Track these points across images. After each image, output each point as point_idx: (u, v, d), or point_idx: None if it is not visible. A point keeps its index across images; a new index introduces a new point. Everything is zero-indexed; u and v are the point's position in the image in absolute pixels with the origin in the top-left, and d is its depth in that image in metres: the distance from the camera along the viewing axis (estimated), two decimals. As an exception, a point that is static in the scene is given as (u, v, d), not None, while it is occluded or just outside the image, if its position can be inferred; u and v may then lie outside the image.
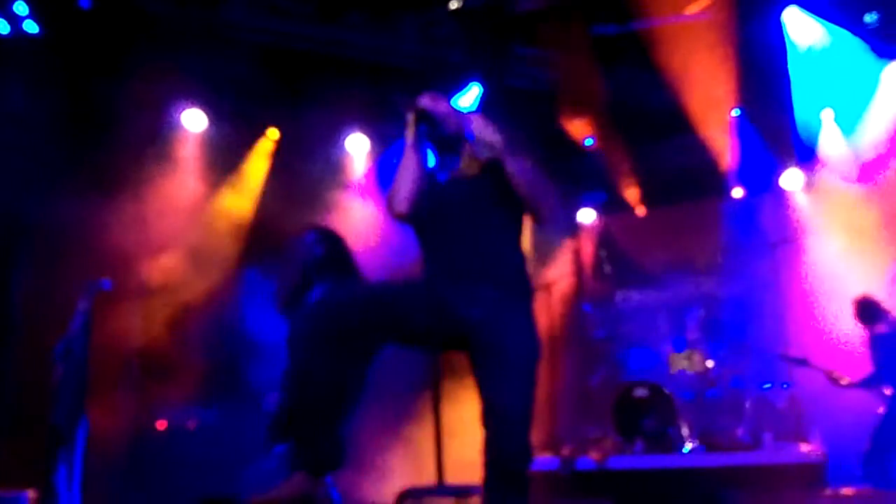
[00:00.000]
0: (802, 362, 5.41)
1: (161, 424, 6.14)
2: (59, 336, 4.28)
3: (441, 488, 2.18)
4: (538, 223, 2.46)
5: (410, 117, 2.47)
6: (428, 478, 2.40)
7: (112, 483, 5.51)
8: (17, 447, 4.90)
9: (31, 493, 4.36)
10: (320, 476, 2.19)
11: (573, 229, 7.41)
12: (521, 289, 2.43)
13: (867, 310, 5.22)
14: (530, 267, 2.49)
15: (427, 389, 3.79)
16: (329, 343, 2.16)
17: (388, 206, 2.47)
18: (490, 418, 2.29)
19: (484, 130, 2.40)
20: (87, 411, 4.32)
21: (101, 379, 4.70)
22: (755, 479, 4.55)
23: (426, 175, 2.50)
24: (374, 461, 5.23)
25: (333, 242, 3.37)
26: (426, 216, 2.46)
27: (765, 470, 4.68)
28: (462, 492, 2.11)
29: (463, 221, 2.39)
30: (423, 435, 2.42)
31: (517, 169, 2.37)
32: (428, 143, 2.51)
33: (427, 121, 2.45)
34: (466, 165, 2.53)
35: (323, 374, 2.16)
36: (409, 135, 2.48)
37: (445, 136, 2.48)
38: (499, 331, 2.31)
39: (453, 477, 2.53)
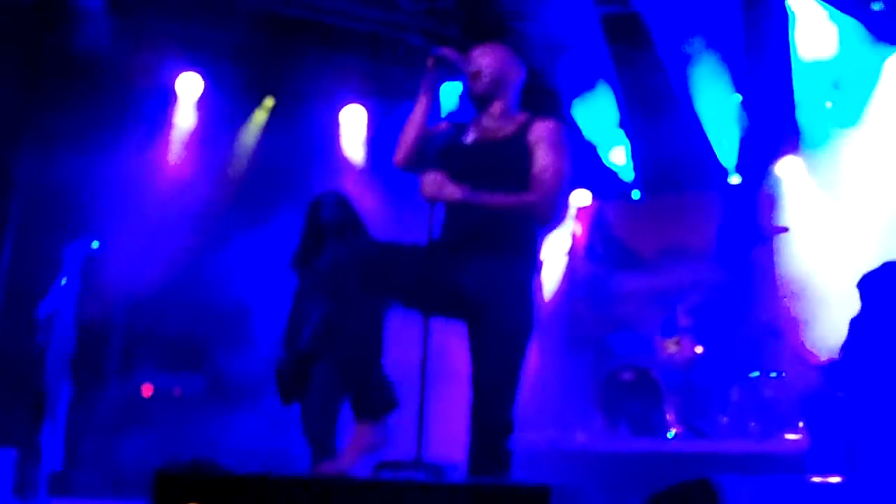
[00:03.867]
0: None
1: (147, 390, 6.14)
2: (41, 298, 4.25)
3: (417, 463, 2.18)
4: (532, 217, 2.42)
5: (429, 62, 2.47)
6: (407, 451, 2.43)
7: (96, 446, 5.53)
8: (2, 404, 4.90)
9: (15, 453, 4.36)
10: (382, 419, 2.21)
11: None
12: (526, 261, 2.41)
13: None
14: (536, 236, 2.46)
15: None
16: (356, 292, 2.18)
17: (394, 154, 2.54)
18: (475, 388, 2.30)
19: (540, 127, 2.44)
20: (74, 375, 4.31)
21: (85, 342, 4.68)
22: (738, 467, 4.57)
23: (430, 128, 2.51)
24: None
25: (347, 207, 3.59)
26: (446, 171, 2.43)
27: (748, 458, 4.70)
28: (437, 469, 2.12)
29: (477, 186, 2.35)
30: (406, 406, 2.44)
31: (545, 162, 2.38)
32: (437, 96, 2.51)
33: (445, 66, 2.45)
34: (495, 129, 2.51)
35: (358, 321, 2.20)
36: (423, 83, 2.49)
37: (479, 93, 2.50)
38: (494, 301, 2.30)
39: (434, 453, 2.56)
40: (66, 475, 4.17)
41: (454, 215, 2.43)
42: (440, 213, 2.50)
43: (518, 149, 2.44)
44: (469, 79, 2.50)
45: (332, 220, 3.54)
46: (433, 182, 2.31)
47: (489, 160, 2.45)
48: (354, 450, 2.12)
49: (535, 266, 2.45)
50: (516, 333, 2.33)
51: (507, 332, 2.32)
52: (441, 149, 2.53)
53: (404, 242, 2.37)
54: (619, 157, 6.95)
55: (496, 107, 2.53)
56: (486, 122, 2.54)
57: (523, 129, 2.47)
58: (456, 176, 2.37)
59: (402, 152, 2.51)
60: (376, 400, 2.17)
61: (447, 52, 2.48)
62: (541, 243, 2.50)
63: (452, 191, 2.31)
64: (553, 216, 2.40)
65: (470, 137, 2.54)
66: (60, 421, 4.17)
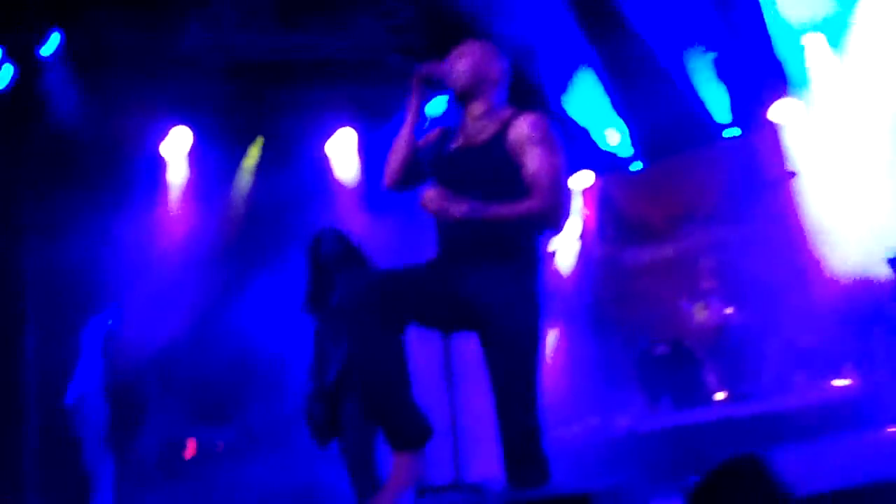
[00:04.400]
0: None
1: (190, 450, 6.15)
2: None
3: (456, 485, 2.15)
4: (538, 225, 2.36)
5: (413, 81, 2.44)
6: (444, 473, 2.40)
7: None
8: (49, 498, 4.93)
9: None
10: (420, 449, 2.16)
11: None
12: (528, 265, 2.36)
13: None
14: (538, 239, 2.41)
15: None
16: (373, 325, 2.14)
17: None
18: (496, 399, 2.26)
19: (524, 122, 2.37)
20: (113, 448, 4.33)
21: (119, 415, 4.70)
22: (788, 425, 4.48)
23: (419, 142, 2.47)
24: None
25: (344, 239, 3.58)
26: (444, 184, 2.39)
27: (797, 414, 4.60)
28: (476, 488, 2.09)
29: (465, 193, 2.28)
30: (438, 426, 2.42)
31: (538, 164, 2.31)
32: (423, 114, 2.47)
33: (431, 84, 2.42)
34: (477, 131, 2.46)
35: (381, 350, 2.14)
36: (409, 102, 2.45)
37: (458, 93, 2.46)
38: (500, 309, 2.26)
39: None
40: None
41: (450, 227, 2.39)
42: (436, 227, 2.48)
43: (499, 151, 2.36)
44: (450, 82, 2.44)
45: (332, 255, 3.54)
46: (434, 199, 2.27)
47: (472, 166, 2.39)
48: (396, 483, 2.09)
49: (538, 269, 2.40)
50: (526, 339, 2.29)
51: (517, 338, 2.28)
52: (429, 158, 2.48)
53: (408, 265, 2.34)
54: (613, 137, 6.90)
55: (478, 106, 2.46)
56: (470, 124, 2.48)
57: (504, 128, 2.39)
58: (444, 185, 2.31)
59: (390, 175, 2.48)
60: (410, 430, 2.13)
61: (431, 68, 2.43)
62: (542, 244, 2.45)
63: (455, 208, 2.26)
64: (559, 219, 2.32)
65: (455, 143, 2.49)
66: (108, 498, 4.18)
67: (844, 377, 5.05)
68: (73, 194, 5.28)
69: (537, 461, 2.25)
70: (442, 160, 2.46)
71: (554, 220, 2.31)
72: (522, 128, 2.35)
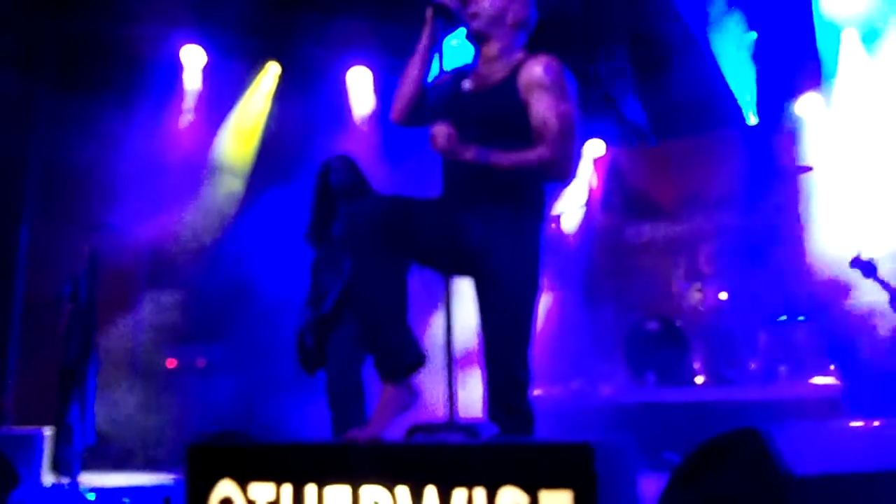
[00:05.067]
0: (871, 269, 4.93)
1: (170, 363, 6.19)
2: (64, 278, 4.26)
3: (451, 424, 2.14)
4: (545, 175, 2.30)
5: (427, 13, 2.34)
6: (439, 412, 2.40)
7: (124, 419, 5.60)
8: (31, 386, 4.94)
9: (47, 431, 4.42)
10: (409, 378, 2.12)
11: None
12: (531, 214, 2.33)
13: None
14: (542, 191, 2.37)
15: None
16: (376, 247, 2.09)
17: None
18: (486, 346, 2.25)
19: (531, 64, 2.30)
20: (97, 350, 4.34)
21: (109, 318, 4.70)
22: (768, 414, 4.54)
23: (428, 82, 2.39)
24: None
25: (354, 170, 3.54)
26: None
27: (777, 404, 4.66)
28: (472, 429, 2.08)
29: (475, 136, 2.23)
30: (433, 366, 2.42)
31: (548, 109, 2.24)
32: (439, 47, 2.38)
33: (445, 15, 2.33)
34: (488, 74, 2.39)
35: (380, 275, 2.09)
36: (423, 35, 2.36)
37: (473, 32, 2.39)
38: (498, 255, 2.23)
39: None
40: (100, 449, 4.22)
41: (455, 170, 2.34)
42: (442, 167, 2.43)
43: (508, 95, 2.29)
44: (467, 19, 2.36)
45: (341, 184, 3.50)
46: (445, 135, 2.20)
47: (482, 109, 2.33)
48: (384, 413, 2.06)
49: (541, 219, 2.36)
50: (522, 289, 2.27)
51: (513, 287, 2.25)
52: (442, 98, 2.41)
53: (414, 197, 2.29)
54: (634, 107, 6.82)
55: (492, 48, 2.39)
56: (482, 66, 2.42)
57: (515, 72, 2.31)
58: (454, 127, 2.24)
59: (398, 108, 2.41)
60: (402, 359, 2.11)
61: (447, 0, 2.34)
62: (547, 195, 2.40)
63: (463, 150, 2.21)
64: (566, 170, 2.27)
65: (466, 85, 2.42)
66: (90, 396, 4.20)
67: (827, 375, 5.11)
68: (85, 92, 5.18)
69: (523, 412, 2.25)
70: (452, 101, 2.39)
71: (561, 170, 2.26)
72: (534, 70, 2.28)
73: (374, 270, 2.09)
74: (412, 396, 2.10)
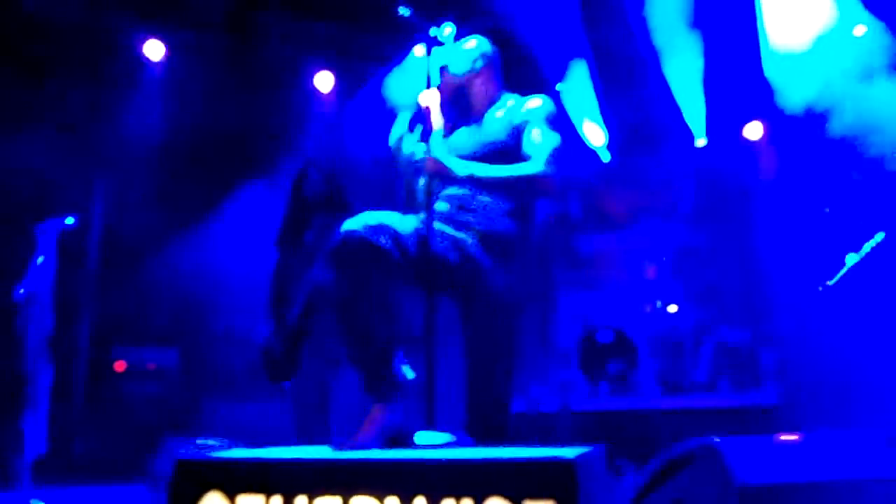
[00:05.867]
0: None
1: (119, 366, 6.06)
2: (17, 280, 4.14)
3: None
4: (534, 190, 2.42)
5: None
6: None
7: (73, 425, 5.46)
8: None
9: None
10: (397, 399, 2.20)
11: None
12: (516, 235, 2.42)
13: None
14: (528, 213, 2.47)
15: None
16: (368, 268, 2.16)
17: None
18: (470, 366, 2.32)
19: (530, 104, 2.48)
20: (53, 356, 4.23)
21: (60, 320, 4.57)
22: (714, 423, 4.73)
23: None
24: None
25: (329, 179, 3.61)
26: None
27: (722, 413, 4.87)
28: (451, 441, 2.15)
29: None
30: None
31: (541, 137, 2.41)
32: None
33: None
34: (482, 108, 2.55)
35: (374, 301, 2.17)
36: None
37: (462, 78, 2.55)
38: (477, 279, 2.31)
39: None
40: (51, 459, 4.10)
41: (446, 189, 2.42)
42: (425, 191, 2.49)
43: (506, 129, 2.48)
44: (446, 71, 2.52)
45: (315, 194, 3.53)
46: (435, 161, 2.30)
47: (478, 145, 2.46)
48: (370, 429, 2.13)
49: (526, 240, 2.46)
50: (507, 311, 2.36)
51: (498, 309, 2.34)
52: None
53: (399, 218, 2.35)
54: (591, 130, 7.02)
55: (481, 89, 2.58)
56: (474, 104, 2.58)
57: (513, 108, 2.51)
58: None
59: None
60: (391, 380, 2.16)
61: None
62: (532, 216, 2.51)
63: (455, 164, 2.31)
64: (553, 185, 2.42)
65: (459, 123, 2.55)
66: (42, 404, 4.09)
67: (768, 384, 5.36)
68: (41, 82, 5.04)
69: (502, 427, 2.33)
70: (448, 139, 2.50)
71: (548, 185, 2.42)
72: (532, 105, 2.49)
73: (365, 292, 2.14)
74: (398, 416, 2.18)
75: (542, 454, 1.72)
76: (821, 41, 5.51)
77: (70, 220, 4.10)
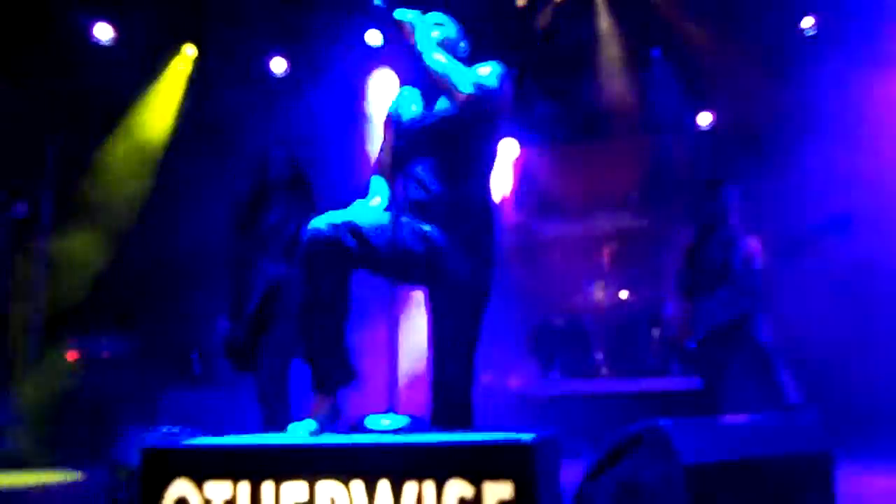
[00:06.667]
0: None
1: (72, 355, 5.97)
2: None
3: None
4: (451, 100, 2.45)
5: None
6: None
7: (24, 415, 5.37)
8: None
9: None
10: (340, 391, 2.28)
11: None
12: (482, 223, 2.49)
13: None
14: (490, 208, 2.53)
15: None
16: (326, 264, 2.21)
17: None
18: (436, 348, 2.40)
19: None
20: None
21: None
22: (664, 405, 4.91)
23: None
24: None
25: (293, 163, 3.49)
26: (402, 143, 2.51)
27: (671, 395, 5.05)
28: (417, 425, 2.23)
29: (426, 154, 2.44)
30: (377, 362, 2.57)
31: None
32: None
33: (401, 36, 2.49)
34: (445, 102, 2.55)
35: (325, 295, 2.22)
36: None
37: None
38: (453, 264, 2.37)
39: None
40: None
41: (403, 180, 2.48)
42: (394, 178, 2.56)
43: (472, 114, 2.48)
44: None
45: (279, 178, 3.46)
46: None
47: (433, 122, 2.52)
48: (313, 418, 2.21)
49: (492, 228, 2.53)
50: (475, 295, 2.43)
51: (465, 293, 2.41)
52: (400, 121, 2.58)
53: (364, 211, 2.40)
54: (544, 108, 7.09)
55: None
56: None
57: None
58: (412, 146, 2.44)
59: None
60: (333, 375, 2.24)
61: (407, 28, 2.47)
62: (496, 207, 2.58)
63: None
64: (471, 107, 2.41)
65: (427, 109, 2.58)
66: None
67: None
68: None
69: (466, 411, 2.42)
70: (414, 120, 2.56)
71: (465, 103, 2.40)
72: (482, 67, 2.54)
73: (320, 289, 2.21)
74: (337, 409, 2.26)
75: (501, 438, 1.81)
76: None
77: (21, 209, 4.04)
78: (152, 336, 5.83)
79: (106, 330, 5.90)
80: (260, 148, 3.56)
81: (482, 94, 2.41)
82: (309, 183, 3.50)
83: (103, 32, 5.92)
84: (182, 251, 5.55)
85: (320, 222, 2.23)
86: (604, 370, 5.58)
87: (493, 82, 2.45)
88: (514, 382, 5.38)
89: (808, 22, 5.95)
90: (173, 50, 6.38)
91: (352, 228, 2.25)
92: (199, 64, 6.32)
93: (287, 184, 3.46)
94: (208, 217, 4.79)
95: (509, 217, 7.21)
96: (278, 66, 6.55)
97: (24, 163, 5.16)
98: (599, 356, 5.65)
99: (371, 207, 2.44)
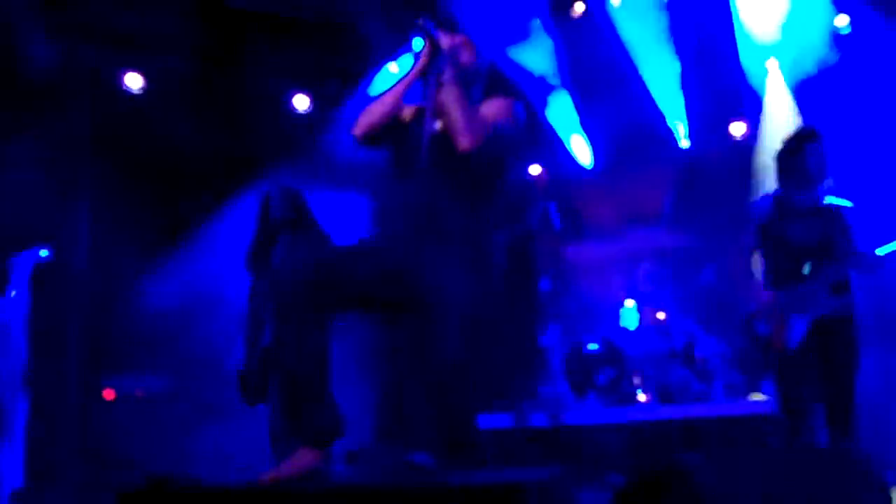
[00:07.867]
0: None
1: (108, 394, 6.00)
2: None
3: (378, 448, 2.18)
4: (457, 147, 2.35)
5: (427, 40, 2.41)
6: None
7: (59, 456, 5.39)
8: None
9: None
10: (326, 448, 2.15)
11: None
12: (479, 250, 2.39)
13: None
14: (487, 230, 2.43)
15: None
16: (299, 311, 2.11)
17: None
18: (433, 381, 2.28)
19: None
20: (29, 385, 4.19)
21: (43, 348, 4.53)
22: (708, 431, 4.66)
23: (396, 110, 2.47)
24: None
25: (294, 202, 3.61)
26: (399, 162, 2.44)
27: (717, 421, 4.79)
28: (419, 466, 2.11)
29: (422, 174, 2.34)
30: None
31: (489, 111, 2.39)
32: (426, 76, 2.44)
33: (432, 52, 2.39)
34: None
35: (304, 343, 2.11)
36: (418, 60, 2.44)
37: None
38: (449, 294, 2.27)
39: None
40: (29, 492, 4.05)
41: (403, 206, 2.39)
42: (390, 206, 2.47)
43: None
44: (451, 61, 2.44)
45: (281, 217, 3.58)
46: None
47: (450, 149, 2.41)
48: (293, 469, 2.09)
49: (490, 255, 2.43)
50: (468, 318, 2.32)
51: (458, 317, 2.30)
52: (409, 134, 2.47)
53: (349, 247, 2.33)
54: (577, 142, 7.00)
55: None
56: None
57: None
58: (431, 164, 2.34)
59: (367, 125, 2.45)
60: (321, 426, 2.12)
61: (448, 39, 2.41)
62: (491, 231, 2.48)
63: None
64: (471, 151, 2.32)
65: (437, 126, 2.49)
66: (18, 437, 4.05)
67: (761, 393, 5.26)
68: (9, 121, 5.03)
69: (474, 446, 2.29)
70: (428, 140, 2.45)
71: (464, 147, 2.31)
72: (494, 102, 2.50)
73: (296, 337, 2.11)
74: (326, 463, 2.15)
75: (496, 478, 1.68)
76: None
77: (44, 253, 4.09)
78: (187, 375, 5.84)
79: (141, 367, 5.94)
80: (261, 191, 3.67)
81: (487, 142, 2.32)
82: (312, 218, 3.57)
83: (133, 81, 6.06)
84: (213, 290, 5.57)
85: (292, 273, 2.15)
86: (644, 395, 5.33)
87: (502, 127, 2.37)
88: (549, 411, 5.18)
89: (842, 20, 5.78)
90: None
91: (329, 268, 2.16)
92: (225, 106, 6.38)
93: (288, 222, 3.56)
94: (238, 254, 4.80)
95: (538, 240, 7.05)
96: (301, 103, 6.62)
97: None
98: (637, 381, 5.42)
99: (361, 237, 2.37)
